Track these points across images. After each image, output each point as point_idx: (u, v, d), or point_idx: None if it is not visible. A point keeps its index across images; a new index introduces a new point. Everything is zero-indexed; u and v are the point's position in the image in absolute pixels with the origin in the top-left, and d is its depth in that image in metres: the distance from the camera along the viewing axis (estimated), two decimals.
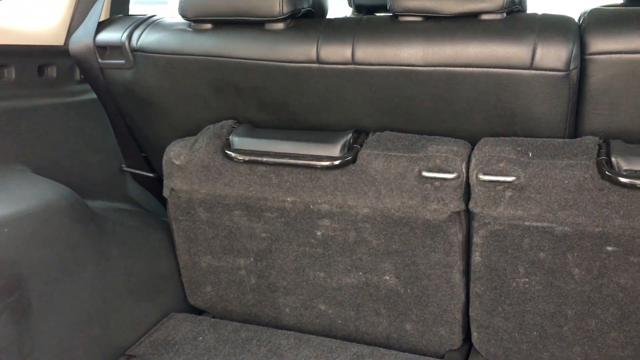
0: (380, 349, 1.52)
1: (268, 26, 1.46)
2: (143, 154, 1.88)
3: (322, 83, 1.43)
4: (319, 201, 1.45)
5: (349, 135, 1.45)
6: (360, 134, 1.47)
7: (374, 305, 1.53)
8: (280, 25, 1.45)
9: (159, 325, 1.67)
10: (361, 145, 1.43)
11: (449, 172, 1.32)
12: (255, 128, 1.58)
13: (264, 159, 1.47)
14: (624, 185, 1.21)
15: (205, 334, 1.62)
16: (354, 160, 1.40)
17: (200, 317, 1.72)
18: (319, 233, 1.50)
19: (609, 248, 1.26)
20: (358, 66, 1.37)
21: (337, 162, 1.41)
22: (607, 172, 1.22)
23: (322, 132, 1.51)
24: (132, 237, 1.67)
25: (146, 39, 1.57)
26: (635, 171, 1.21)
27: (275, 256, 1.57)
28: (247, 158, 1.48)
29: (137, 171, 1.88)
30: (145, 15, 1.66)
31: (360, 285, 1.52)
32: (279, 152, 1.46)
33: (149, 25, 1.60)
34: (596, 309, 1.32)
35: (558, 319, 1.36)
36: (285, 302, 1.62)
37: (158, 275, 1.71)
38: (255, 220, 1.54)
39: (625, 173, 1.21)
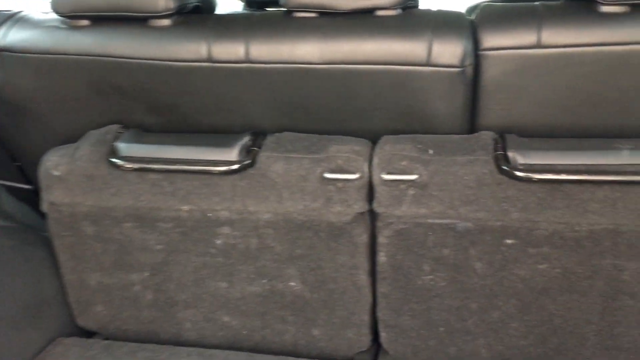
0: (289, 357, 1.47)
1: (152, 22, 1.36)
2: (17, 163, 1.71)
3: (215, 83, 1.36)
4: (217, 208, 1.38)
5: (247, 138, 1.38)
6: (258, 136, 1.41)
7: (280, 313, 1.48)
8: (165, 22, 1.36)
9: (44, 353, 1.51)
10: (260, 148, 1.37)
11: (351, 173, 1.29)
12: (144, 133, 1.48)
13: (155, 166, 1.38)
14: (520, 179, 1.24)
15: (98, 358, 1.48)
16: (252, 164, 1.34)
17: (91, 340, 1.58)
18: (218, 242, 1.42)
19: (509, 241, 1.28)
20: (253, 64, 1.31)
21: (234, 167, 1.34)
22: (503, 167, 1.24)
23: (217, 135, 1.43)
24: (8, 257, 1.51)
25: (14, 37, 1.42)
26: (531, 165, 1.24)
27: (173, 269, 1.48)
28: (135, 166, 1.38)
29: (10, 183, 1.72)
30: (11, 10, 1.51)
31: (265, 293, 1.46)
32: (172, 158, 1.38)
33: (16, 21, 1.46)
34: (498, 301, 1.35)
35: (463, 313, 1.38)
36: (185, 316, 1.53)
37: (40, 298, 1.55)
38: (149, 232, 1.44)
39: (521, 167, 1.24)
